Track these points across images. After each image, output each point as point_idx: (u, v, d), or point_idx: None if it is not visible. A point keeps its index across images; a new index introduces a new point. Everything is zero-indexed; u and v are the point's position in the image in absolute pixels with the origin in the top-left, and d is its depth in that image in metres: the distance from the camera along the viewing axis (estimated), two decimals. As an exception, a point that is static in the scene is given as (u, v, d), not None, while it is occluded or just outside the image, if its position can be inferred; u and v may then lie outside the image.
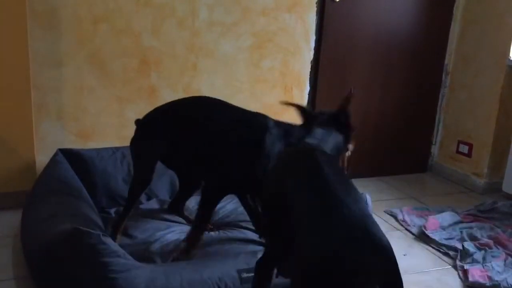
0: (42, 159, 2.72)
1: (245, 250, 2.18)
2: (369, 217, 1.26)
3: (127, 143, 2.85)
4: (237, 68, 3.15)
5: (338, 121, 1.75)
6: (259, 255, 2.00)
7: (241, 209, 2.52)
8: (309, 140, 1.62)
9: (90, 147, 2.84)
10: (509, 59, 3.25)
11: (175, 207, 2.54)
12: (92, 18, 2.78)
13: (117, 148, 2.75)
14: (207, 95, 3.09)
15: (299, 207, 1.33)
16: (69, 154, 2.63)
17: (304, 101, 3.39)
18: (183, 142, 2.22)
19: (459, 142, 3.65)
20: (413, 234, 2.77)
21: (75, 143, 2.85)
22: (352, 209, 1.23)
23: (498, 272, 2.33)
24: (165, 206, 2.61)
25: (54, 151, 2.65)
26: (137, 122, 2.36)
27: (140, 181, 2.29)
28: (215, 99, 2.34)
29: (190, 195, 2.55)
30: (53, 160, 2.55)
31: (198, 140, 2.19)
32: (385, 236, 1.22)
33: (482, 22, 3.44)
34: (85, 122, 2.90)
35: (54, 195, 2.23)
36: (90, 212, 2.22)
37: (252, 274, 1.73)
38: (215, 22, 3.02)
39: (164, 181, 2.75)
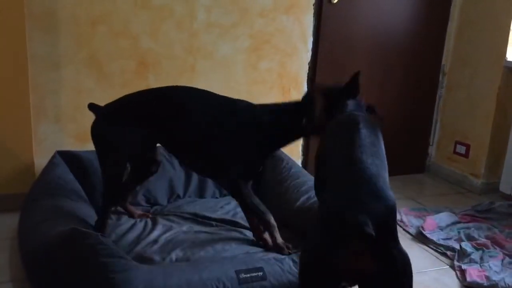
0: (40, 161, 2.72)
1: (243, 251, 2.20)
2: (381, 176, 1.48)
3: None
4: (235, 69, 3.16)
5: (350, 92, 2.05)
6: (258, 256, 2.03)
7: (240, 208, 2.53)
8: (350, 108, 1.91)
9: (88, 149, 2.84)
10: (506, 60, 3.26)
11: (122, 195, 2.47)
12: (90, 20, 2.79)
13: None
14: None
15: (330, 161, 1.62)
16: (68, 156, 2.64)
17: (302, 102, 3.40)
18: (172, 134, 2.20)
19: (456, 142, 3.66)
20: (411, 234, 2.78)
21: (73, 146, 2.85)
22: (368, 168, 1.46)
23: (496, 272, 2.34)
24: (165, 209, 2.62)
25: (53, 153, 2.65)
26: (97, 107, 2.32)
27: (118, 175, 2.21)
28: (190, 88, 2.33)
29: (139, 184, 2.54)
30: (51, 162, 2.56)
31: (192, 133, 2.18)
32: (391, 193, 1.44)
33: (479, 22, 3.45)
34: (84, 125, 2.88)
35: (52, 198, 2.23)
36: (89, 214, 2.23)
37: (251, 275, 1.81)
38: (213, 23, 3.03)
39: (162, 184, 2.75)
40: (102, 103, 2.89)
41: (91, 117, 2.89)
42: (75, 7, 2.75)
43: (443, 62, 3.71)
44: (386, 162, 1.62)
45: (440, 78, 3.75)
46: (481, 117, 3.45)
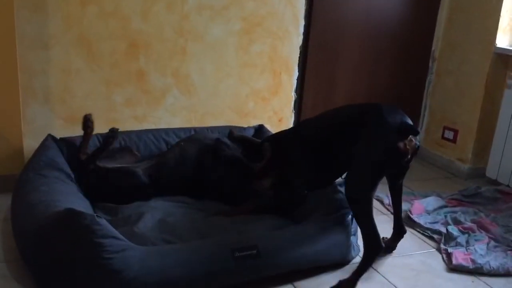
0: (29, 142, 2.70)
1: (239, 230, 2.21)
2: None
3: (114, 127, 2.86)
4: (226, 52, 3.14)
5: None
6: (252, 233, 2.08)
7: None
8: None
9: (78, 131, 2.81)
10: (495, 46, 3.29)
11: None
12: (80, -1, 2.74)
13: (101, 135, 2.76)
14: (196, 79, 3.10)
15: None
16: (58, 140, 2.63)
17: (292, 86, 3.40)
18: None
19: (445, 128, 3.70)
20: (399, 218, 2.81)
21: (62, 127, 2.83)
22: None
23: (481, 255, 2.39)
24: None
25: (42, 134, 2.63)
26: None
27: None
28: None
29: None
30: (44, 145, 2.54)
31: None
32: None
33: (469, 8, 3.46)
34: (73, 106, 2.87)
35: (46, 179, 2.22)
36: (80, 196, 2.22)
37: (245, 253, 1.87)
38: (204, 5, 3.00)
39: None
40: (91, 84, 2.88)
41: (80, 98, 2.88)
42: (64, -14, 2.70)
43: (433, 47, 3.73)
44: None
45: (430, 64, 3.77)
46: (470, 103, 3.49)
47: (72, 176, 2.43)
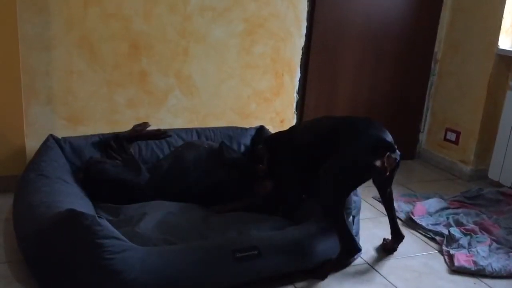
0: (31, 143, 2.70)
1: (240, 230, 2.21)
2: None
3: (117, 128, 2.86)
4: (228, 53, 3.14)
5: None
6: (253, 236, 2.07)
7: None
8: None
9: (80, 131, 2.83)
10: (498, 48, 3.28)
11: None
12: (82, 1, 2.74)
13: (103, 135, 2.76)
14: (198, 80, 3.10)
15: None
16: (59, 140, 2.63)
17: (294, 87, 3.40)
18: None
19: (447, 129, 3.69)
20: (400, 219, 2.80)
21: (65, 127, 2.83)
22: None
23: (483, 257, 2.38)
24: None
25: (44, 135, 2.63)
26: None
27: None
28: None
29: None
30: (45, 145, 2.54)
31: None
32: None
33: (471, 10, 3.46)
34: (75, 107, 2.88)
35: (47, 180, 2.22)
36: (82, 196, 2.22)
37: (246, 254, 1.86)
38: (206, 7, 3.00)
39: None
40: (93, 85, 2.89)
41: (82, 99, 2.89)
42: (67, -12, 2.70)
43: (435, 49, 3.72)
44: None
45: (432, 66, 3.76)
46: (472, 105, 3.48)
47: (74, 175, 2.44)
